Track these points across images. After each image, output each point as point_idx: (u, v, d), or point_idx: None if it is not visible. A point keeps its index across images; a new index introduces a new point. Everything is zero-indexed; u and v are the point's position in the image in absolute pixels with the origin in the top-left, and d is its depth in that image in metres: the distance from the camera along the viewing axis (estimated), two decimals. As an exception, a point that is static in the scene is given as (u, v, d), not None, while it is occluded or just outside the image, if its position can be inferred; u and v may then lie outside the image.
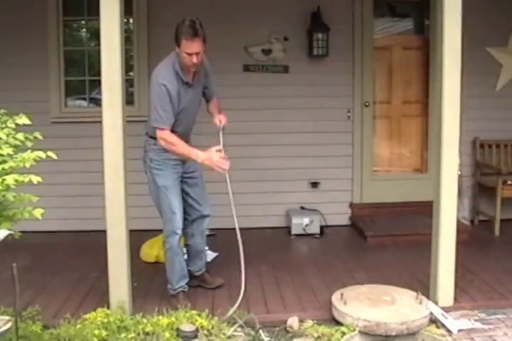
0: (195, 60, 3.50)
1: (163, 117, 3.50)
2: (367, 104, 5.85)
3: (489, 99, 5.91)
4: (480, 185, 5.96)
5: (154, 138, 3.64)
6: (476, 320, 3.59)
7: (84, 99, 5.80)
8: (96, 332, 3.19)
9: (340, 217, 5.90)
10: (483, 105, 5.84)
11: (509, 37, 5.94)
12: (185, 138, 3.74)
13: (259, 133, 5.68)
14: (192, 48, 3.45)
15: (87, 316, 3.40)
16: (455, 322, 3.49)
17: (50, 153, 2.87)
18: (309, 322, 3.49)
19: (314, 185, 5.86)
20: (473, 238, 5.26)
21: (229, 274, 4.37)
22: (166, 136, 3.51)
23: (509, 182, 5.66)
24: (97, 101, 5.37)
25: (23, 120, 2.91)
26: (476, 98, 5.68)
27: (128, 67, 5.41)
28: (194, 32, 3.42)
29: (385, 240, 5.30)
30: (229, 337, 3.30)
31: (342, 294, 3.59)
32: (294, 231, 5.46)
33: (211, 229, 5.46)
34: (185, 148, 3.56)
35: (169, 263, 3.85)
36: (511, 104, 5.97)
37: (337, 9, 5.65)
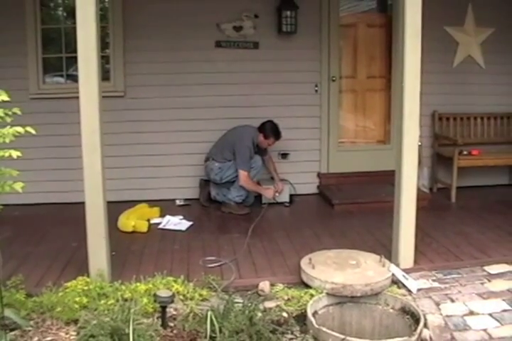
0: (269, 147, 5.43)
1: (247, 164, 5.17)
2: (333, 78, 5.81)
3: (447, 74, 5.92)
4: (438, 155, 6.00)
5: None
6: (433, 280, 3.64)
7: (62, 75, 5.63)
8: (77, 299, 3.15)
9: (309, 186, 5.91)
10: (442, 80, 5.86)
11: (465, 17, 5.93)
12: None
13: (231, 106, 5.62)
14: (274, 144, 5.37)
15: (68, 284, 3.34)
16: (415, 282, 3.53)
17: (28, 128, 2.80)
18: (280, 286, 3.50)
19: (284, 155, 5.85)
20: (431, 204, 5.32)
21: (203, 241, 4.42)
22: (247, 177, 5.19)
23: (465, 153, 5.72)
24: (74, 78, 5.21)
25: (2, 97, 2.79)
26: (435, 74, 5.67)
27: (104, 44, 5.31)
28: (280, 136, 5.30)
29: (350, 207, 5.33)
30: (203, 301, 3.30)
31: (310, 259, 3.61)
32: (264, 200, 5.44)
33: (185, 199, 5.51)
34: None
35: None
36: (467, 79, 6.00)
37: (305, -12, 5.55)
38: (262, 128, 5.29)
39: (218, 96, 5.61)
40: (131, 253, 4.11)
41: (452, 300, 3.39)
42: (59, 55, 5.50)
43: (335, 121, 5.92)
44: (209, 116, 5.60)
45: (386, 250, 3.94)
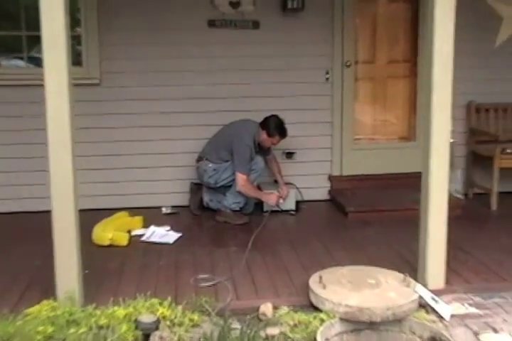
0: (273, 146, 5.44)
1: (247, 166, 5.18)
2: (348, 63, 5.81)
3: (487, 57, 5.88)
4: (475, 154, 5.97)
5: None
6: (470, 305, 3.59)
7: (22, 58, 5.61)
8: (40, 328, 3.09)
9: (318, 191, 5.92)
10: (480, 64, 5.84)
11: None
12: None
13: (227, 97, 5.65)
14: (278, 142, 5.38)
15: (29, 310, 3.30)
16: (447, 306, 3.49)
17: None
18: (284, 309, 3.46)
19: (289, 155, 5.87)
20: (466, 213, 5.30)
21: (194, 256, 4.42)
22: (246, 181, 5.21)
23: (508, 151, 5.66)
24: (37, 61, 5.21)
25: None
26: (472, 56, 5.68)
27: (74, 21, 5.29)
28: (286, 134, 5.29)
29: (368, 216, 5.33)
30: (194, 327, 3.27)
31: (321, 277, 3.58)
32: (266, 208, 5.43)
33: (173, 207, 5.56)
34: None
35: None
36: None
37: (314, -45, 5.56)
38: (265, 124, 5.29)
39: (212, 86, 5.62)
40: (108, 271, 4.08)
41: (495, 330, 3.33)
42: (18, 33, 5.47)
43: (349, 114, 5.93)
44: (201, 108, 5.61)
45: (411, 267, 3.92)
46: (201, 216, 5.47)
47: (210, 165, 5.29)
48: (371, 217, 5.31)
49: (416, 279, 3.71)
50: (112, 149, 5.54)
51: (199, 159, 5.40)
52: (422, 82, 5.43)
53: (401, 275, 3.65)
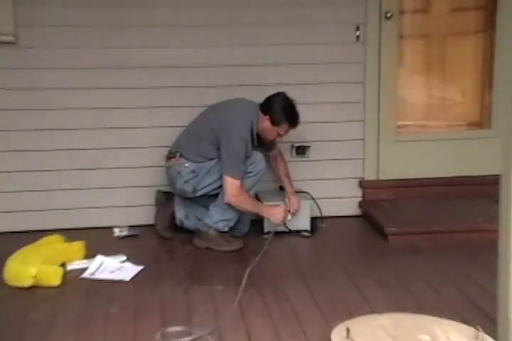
0: (279, 138, 5.49)
1: (240, 167, 5.22)
2: (389, 14, 5.82)
3: None
4: None
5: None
6: None
7: None
8: None
9: (344, 202, 6.04)
10: None
11: None
12: None
13: (209, 66, 5.68)
14: (287, 133, 5.38)
15: None
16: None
17: None
18: (296, 375, 3.54)
19: (301, 150, 5.93)
20: None
21: (162, 299, 4.42)
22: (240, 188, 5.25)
23: None
24: None
25: None
26: None
27: None
28: (298, 121, 5.29)
29: (417, 240, 5.34)
30: None
31: (348, 329, 3.49)
32: (268, 227, 5.47)
33: (130, 227, 5.61)
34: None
35: None
36: None
37: None
38: (268, 106, 5.26)
39: (189, 49, 5.63)
40: (29, 326, 4.02)
41: None
42: None
43: (391, 89, 5.98)
44: (172, 81, 5.64)
45: (485, 317, 3.88)
46: (173, 240, 5.50)
47: (187, 164, 5.27)
48: (422, 240, 5.34)
49: (495, 336, 3.58)
50: (37, 141, 5.54)
51: (170, 156, 5.38)
52: (503, 40, 5.41)
53: (471, 329, 3.56)
